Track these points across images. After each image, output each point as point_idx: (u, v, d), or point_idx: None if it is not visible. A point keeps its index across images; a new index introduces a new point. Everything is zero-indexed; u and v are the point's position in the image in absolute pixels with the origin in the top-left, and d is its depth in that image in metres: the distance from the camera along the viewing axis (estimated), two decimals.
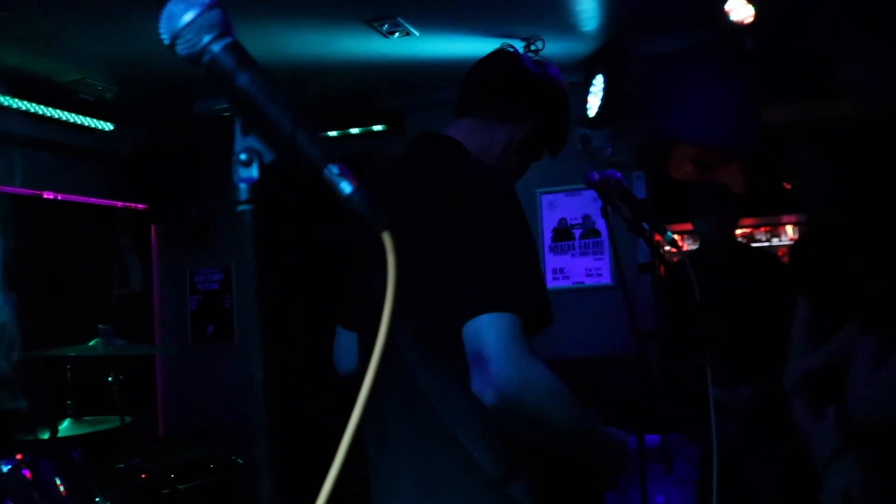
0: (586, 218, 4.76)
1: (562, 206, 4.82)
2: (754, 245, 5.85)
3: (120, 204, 5.39)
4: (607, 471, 1.57)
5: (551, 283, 4.80)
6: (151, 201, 5.26)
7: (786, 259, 4.95)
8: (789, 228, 6.33)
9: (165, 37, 0.80)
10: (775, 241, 6.31)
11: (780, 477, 3.41)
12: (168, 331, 5.78)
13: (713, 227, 3.58)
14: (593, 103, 4.32)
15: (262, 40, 3.88)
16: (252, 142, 0.79)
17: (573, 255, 4.78)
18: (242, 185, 0.78)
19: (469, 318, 1.34)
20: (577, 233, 4.78)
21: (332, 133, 5.22)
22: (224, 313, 5.67)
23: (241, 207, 0.78)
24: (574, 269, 4.77)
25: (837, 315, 2.38)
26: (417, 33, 3.81)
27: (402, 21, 3.67)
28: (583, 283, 4.76)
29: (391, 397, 1.52)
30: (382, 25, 3.70)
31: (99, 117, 4.81)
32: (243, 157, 0.78)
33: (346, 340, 1.78)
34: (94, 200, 5.29)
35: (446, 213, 1.44)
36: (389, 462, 1.57)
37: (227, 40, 0.80)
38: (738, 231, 4.97)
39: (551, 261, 4.82)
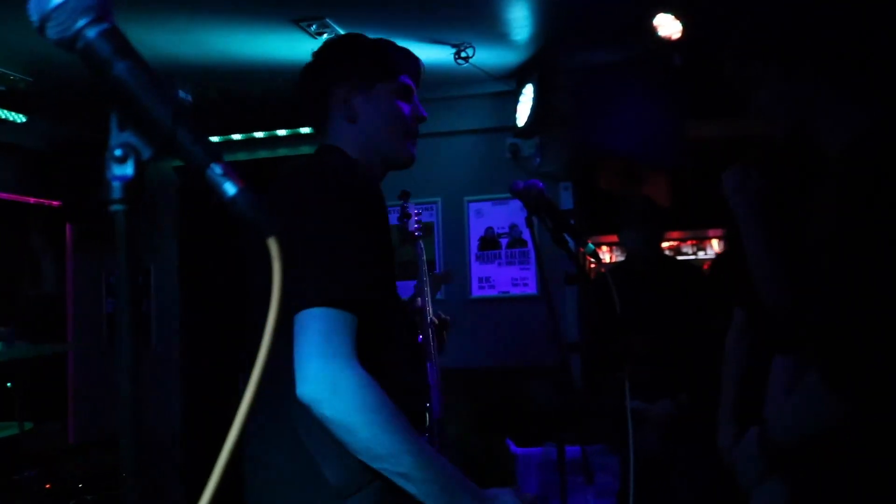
0: (513, 227, 4.76)
1: (489, 214, 4.81)
2: (680, 258, 5.95)
3: (32, 200, 5.16)
4: None
5: (477, 292, 4.79)
6: (66, 198, 5.06)
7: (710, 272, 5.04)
8: (715, 242, 6.45)
9: (34, 18, 0.73)
10: (701, 255, 6.43)
11: (699, 489, 3.45)
12: (82, 333, 5.56)
13: (639, 240, 3.61)
14: (523, 112, 4.33)
15: (185, 38, 3.76)
16: (129, 137, 0.73)
17: (499, 264, 4.77)
18: (116, 184, 0.71)
19: (296, 311, 1.36)
20: (503, 242, 4.77)
21: (259, 134, 5.11)
22: (142, 317, 5.48)
23: (115, 207, 0.71)
24: (500, 279, 4.76)
25: (768, 330, 2.41)
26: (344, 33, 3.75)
27: (330, 22, 3.60)
28: (508, 292, 4.75)
29: (261, 397, 1.49)
30: (310, 26, 3.63)
31: (10, 108, 4.60)
32: (118, 152, 0.72)
33: None
34: (3, 195, 5.04)
35: (288, 214, 1.45)
36: (250, 456, 1.55)
37: (104, 26, 0.73)
38: (665, 244, 5.05)
39: (477, 269, 4.81)
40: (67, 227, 5.55)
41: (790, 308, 1.80)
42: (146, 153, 0.73)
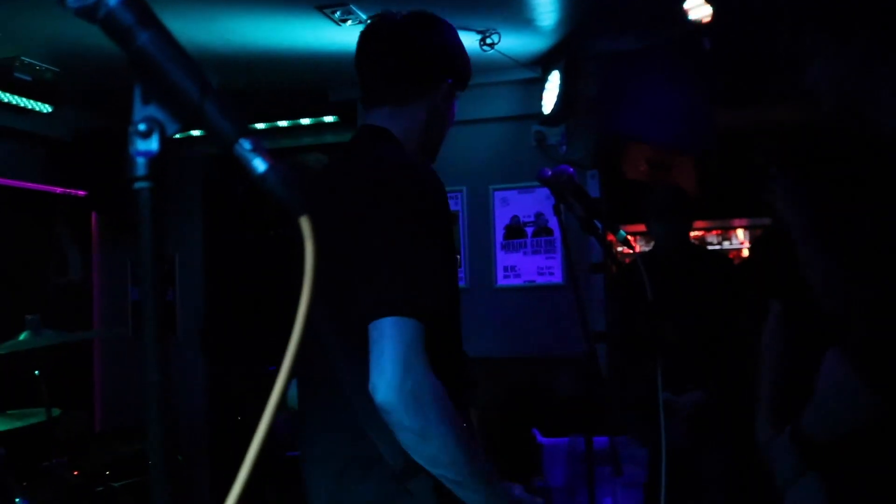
0: (539, 216, 4.71)
1: (514, 203, 4.75)
2: (707, 248, 5.88)
3: (58, 190, 5.18)
4: None
5: (502, 281, 4.74)
6: (92, 188, 5.07)
7: (737, 262, 4.98)
8: (740, 232, 6.39)
9: None
10: (726, 245, 6.37)
11: (728, 481, 3.41)
12: (107, 322, 5.59)
13: (667, 231, 3.58)
14: (549, 100, 4.27)
15: (207, 26, 3.74)
16: (153, 111, 0.69)
17: (525, 253, 4.72)
18: (140, 160, 0.68)
19: (372, 318, 1.38)
20: (529, 231, 4.72)
21: (283, 123, 5.09)
22: (166, 305, 5.50)
23: (139, 185, 0.68)
24: (525, 268, 4.71)
25: (809, 323, 2.35)
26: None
27: (354, 8, 3.57)
28: (534, 281, 4.70)
29: (314, 384, 1.56)
30: (334, 12, 3.59)
31: (37, 98, 4.60)
32: (142, 127, 0.68)
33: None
34: (30, 185, 5.07)
35: (362, 208, 1.45)
36: (309, 447, 1.61)
37: None
38: (691, 234, 4.99)
39: (502, 258, 4.76)
40: (93, 216, 5.58)
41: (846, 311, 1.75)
42: (171, 128, 0.70)
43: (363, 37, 1.72)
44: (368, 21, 1.78)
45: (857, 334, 1.39)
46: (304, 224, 0.67)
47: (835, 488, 1.59)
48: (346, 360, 1.47)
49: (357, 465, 1.48)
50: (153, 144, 0.68)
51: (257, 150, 0.67)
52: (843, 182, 2.20)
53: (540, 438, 3.80)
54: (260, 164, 0.67)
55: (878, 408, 1.37)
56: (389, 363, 1.33)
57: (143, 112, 0.69)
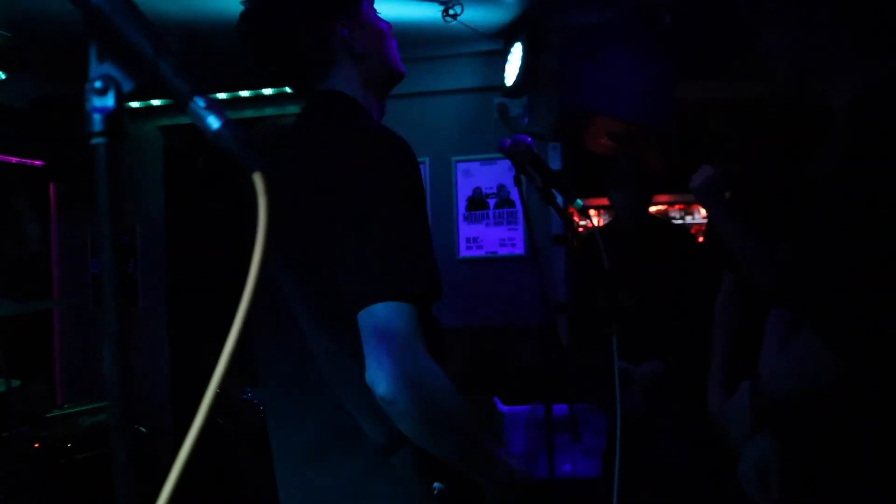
0: (501, 188, 4.75)
1: (477, 174, 4.79)
2: (669, 221, 5.95)
3: (14, 160, 5.09)
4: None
5: (464, 252, 4.78)
6: (50, 158, 4.99)
7: (700, 237, 5.06)
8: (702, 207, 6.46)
9: None
10: (689, 219, 6.44)
11: (685, 449, 3.48)
12: (67, 294, 5.53)
13: (627, 202, 3.61)
14: (511, 72, 4.29)
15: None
16: (109, 69, 0.70)
17: (487, 224, 4.76)
18: (96, 116, 0.69)
19: (364, 305, 1.31)
20: (491, 202, 4.76)
21: (245, 93, 5.05)
22: (128, 278, 5.45)
23: (95, 140, 0.69)
24: (488, 239, 4.76)
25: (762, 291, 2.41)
26: None
27: None
28: (496, 252, 4.75)
29: (284, 363, 1.50)
30: None
31: None
32: (98, 84, 0.69)
33: None
34: None
35: (338, 185, 1.37)
36: (282, 428, 1.56)
37: None
38: (653, 208, 5.05)
39: (465, 230, 4.80)
40: (51, 186, 5.49)
41: (788, 261, 1.79)
42: (127, 86, 0.71)
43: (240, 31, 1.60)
44: None
45: (819, 299, 1.43)
46: (258, 180, 0.68)
47: (788, 446, 1.64)
48: (321, 338, 1.41)
49: (339, 443, 1.45)
50: (109, 101, 0.69)
51: (211, 107, 0.69)
52: (788, 152, 2.25)
53: (501, 406, 3.86)
54: (214, 122, 0.69)
55: (838, 371, 1.41)
56: (388, 354, 1.27)
57: (98, 70, 0.70)
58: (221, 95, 5.11)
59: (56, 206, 5.55)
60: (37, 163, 5.10)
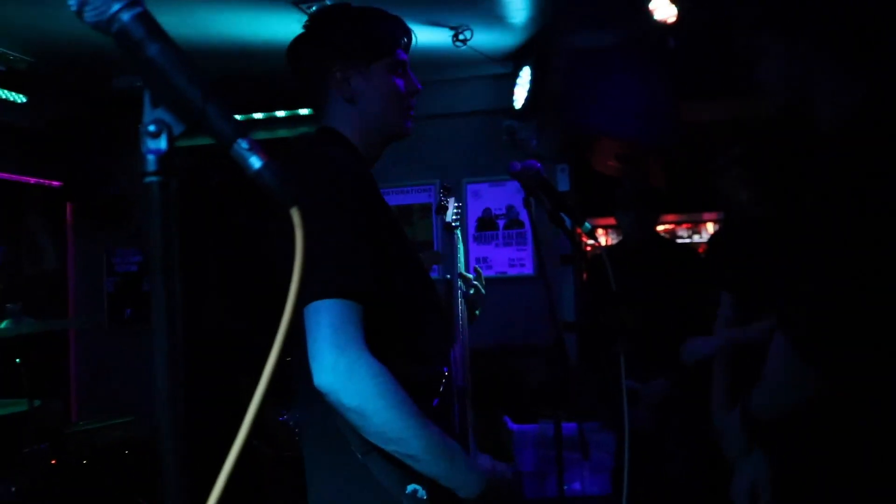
0: (510, 208, 4.82)
1: (486, 196, 4.86)
2: (675, 241, 5.99)
3: (32, 180, 5.19)
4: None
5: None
6: (67, 178, 5.09)
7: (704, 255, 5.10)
8: (710, 225, 6.50)
9: (73, 3, 0.78)
10: (696, 238, 6.47)
11: (693, 467, 3.51)
12: (83, 312, 5.60)
13: (634, 222, 3.66)
14: (520, 95, 4.37)
15: (187, 19, 3.79)
16: (161, 113, 0.78)
17: (497, 244, 4.83)
18: (150, 157, 0.76)
19: (304, 304, 1.41)
20: (500, 223, 4.83)
21: (258, 115, 5.14)
22: (142, 296, 5.53)
23: (149, 179, 0.76)
24: (497, 259, 4.82)
25: (759, 311, 2.46)
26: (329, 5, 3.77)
27: (329, 3, 3.64)
28: (505, 272, 4.82)
29: (303, 383, 1.56)
30: (310, 7, 3.67)
31: (11, 88, 4.62)
32: (152, 128, 0.77)
33: None
34: (4, 176, 5.08)
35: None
36: (305, 443, 1.68)
37: (138, 9, 0.78)
38: (660, 227, 5.10)
39: (475, 250, 4.86)
40: (68, 206, 5.58)
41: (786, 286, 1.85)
42: (178, 129, 0.78)
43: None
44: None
45: (797, 314, 1.48)
46: (295, 216, 0.75)
47: (778, 463, 1.69)
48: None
49: (333, 452, 1.54)
50: (162, 143, 0.77)
51: (253, 148, 0.76)
52: (787, 171, 2.31)
53: (510, 425, 3.90)
54: (256, 162, 0.76)
55: (817, 385, 1.46)
56: (321, 345, 1.37)
57: (152, 115, 0.78)
58: (236, 117, 5.18)
59: (72, 225, 5.64)
60: (54, 183, 5.20)
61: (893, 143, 1.42)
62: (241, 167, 0.77)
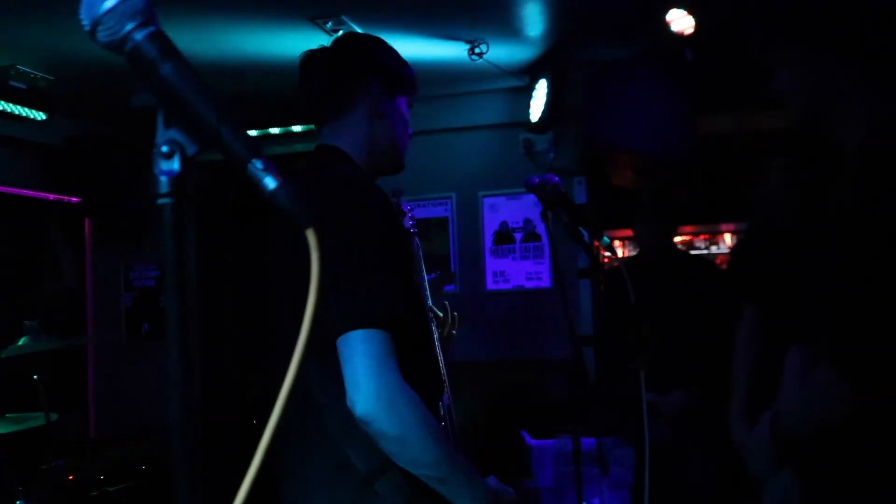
0: (527, 222, 4.79)
1: (503, 209, 4.84)
2: (693, 252, 5.94)
3: (52, 196, 5.23)
4: None
5: (491, 286, 4.82)
6: (85, 194, 5.12)
7: (724, 266, 5.06)
8: (727, 237, 6.45)
9: (86, 23, 0.77)
10: (714, 249, 6.42)
11: (713, 481, 3.47)
12: (101, 328, 5.63)
13: (652, 234, 3.64)
14: (536, 108, 4.36)
15: (203, 36, 3.81)
16: (174, 134, 0.77)
17: (513, 258, 4.80)
18: (163, 178, 0.75)
19: (339, 333, 1.43)
20: (517, 236, 4.81)
21: (275, 130, 5.15)
22: (160, 311, 5.54)
23: (161, 201, 0.75)
24: (514, 273, 4.80)
25: (783, 324, 2.43)
26: (361, 32, 3.79)
27: (346, 19, 3.64)
28: (522, 286, 4.79)
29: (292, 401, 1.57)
30: (326, 23, 3.67)
31: (31, 106, 4.66)
32: (165, 149, 0.76)
33: None
34: (24, 192, 5.12)
35: (322, 228, 1.49)
36: (286, 458, 1.66)
37: (151, 29, 0.77)
38: (678, 239, 5.07)
39: (491, 264, 4.84)
40: (87, 222, 5.62)
41: (808, 296, 1.82)
42: (191, 149, 0.77)
43: (299, 65, 1.81)
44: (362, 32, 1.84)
45: (834, 331, 1.44)
46: (311, 236, 0.74)
47: (810, 483, 1.65)
48: (315, 370, 1.51)
49: (328, 473, 1.55)
50: (175, 164, 0.76)
51: (268, 169, 0.75)
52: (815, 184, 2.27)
53: (528, 440, 3.87)
54: (271, 182, 0.75)
55: (853, 403, 1.42)
56: (363, 377, 1.39)
57: (165, 135, 0.77)
58: (252, 132, 5.21)
59: (91, 241, 5.68)
60: (73, 199, 5.23)
61: None
62: (257, 187, 0.76)
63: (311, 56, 1.79)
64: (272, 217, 1.77)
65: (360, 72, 1.74)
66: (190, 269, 5.57)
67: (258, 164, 0.75)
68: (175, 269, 0.75)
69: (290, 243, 1.56)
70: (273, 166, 0.76)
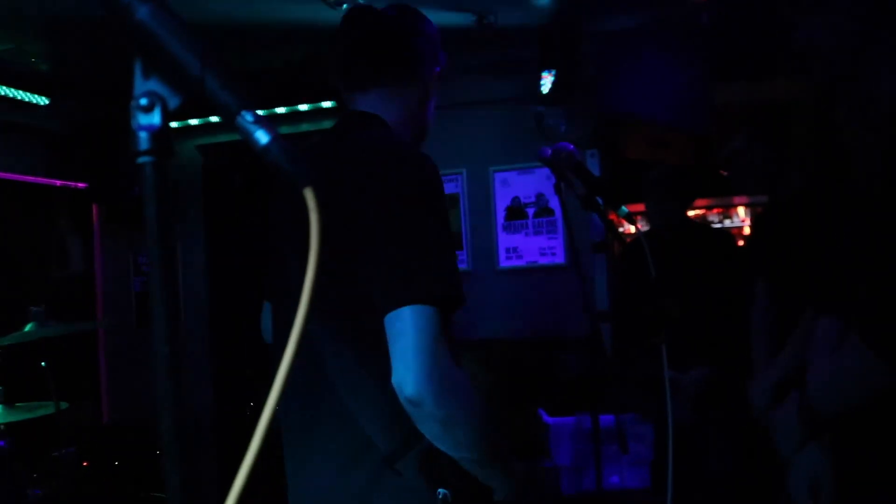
0: (540, 196, 4.70)
1: (515, 184, 4.75)
2: (709, 225, 5.87)
3: (58, 182, 5.18)
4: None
5: (504, 263, 4.75)
6: (92, 180, 5.07)
7: (740, 240, 4.98)
8: (741, 210, 6.38)
9: None
10: (727, 223, 6.36)
11: (734, 458, 3.42)
12: (111, 313, 5.60)
13: (661, 211, 3.59)
14: (547, 80, 4.25)
15: (204, 6, 3.72)
16: (154, 85, 0.69)
17: (526, 234, 4.72)
18: (143, 134, 0.67)
19: (391, 307, 1.35)
20: (530, 211, 4.72)
21: (281, 109, 5.07)
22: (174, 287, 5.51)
23: (142, 159, 0.68)
24: (527, 249, 4.71)
25: (798, 298, 2.36)
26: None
27: None
28: (536, 262, 4.70)
29: (300, 378, 1.53)
30: None
31: (33, 91, 4.60)
32: (143, 101, 0.68)
33: (269, 312, 1.80)
34: (30, 179, 5.07)
35: (362, 198, 1.42)
36: (295, 440, 1.60)
37: None
38: (691, 213, 4.98)
39: (504, 240, 4.76)
40: (94, 207, 5.58)
41: (834, 268, 1.74)
42: (173, 102, 0.69)
43: (347, 22, 1.69)
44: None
45: (867, 307, 1.37)
46: (309, 196, 0.66)
47: (841, 458, 1.59)
48: (332, 347, 1.46)
49: (347, 454, 1.48)
50: (155, 118, 0.68)
51: (259, 121, 0.67)
52: (830, 151, 2.18)
53: (546, 418, 3.81)
54: (263, 136, 0.67)
55: (888, 379, 1.36)
56: (415, 355, 1.31)
57: (143, 87, 0.69)
58: (280, 109, 5.13)
59: (99, 226, 5.63)
60: (80, 185, 5.18)
61: None
62: (247, 142, 0.68)
63: (361, 16, 1.68)
64: (277, 187, 1.70)
65: (426, 50, 1.68)
66: (199, 251, 5.52)
67: (248, 117, 0.67)
68: (159, 235, 0.67)
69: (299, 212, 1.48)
70: (265, 119, 0.68)
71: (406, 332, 1.32)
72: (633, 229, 4.74)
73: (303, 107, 5.01)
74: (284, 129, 5.19)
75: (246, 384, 5.23)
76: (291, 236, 1.58)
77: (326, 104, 4.92)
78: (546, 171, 2.21)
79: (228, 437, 5.33)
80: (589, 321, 2.15)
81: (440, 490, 1.45)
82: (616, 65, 4.07)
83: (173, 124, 4.94)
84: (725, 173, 2.94)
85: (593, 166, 4.62)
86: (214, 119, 4.92)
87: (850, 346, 1.42)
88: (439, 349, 1.32)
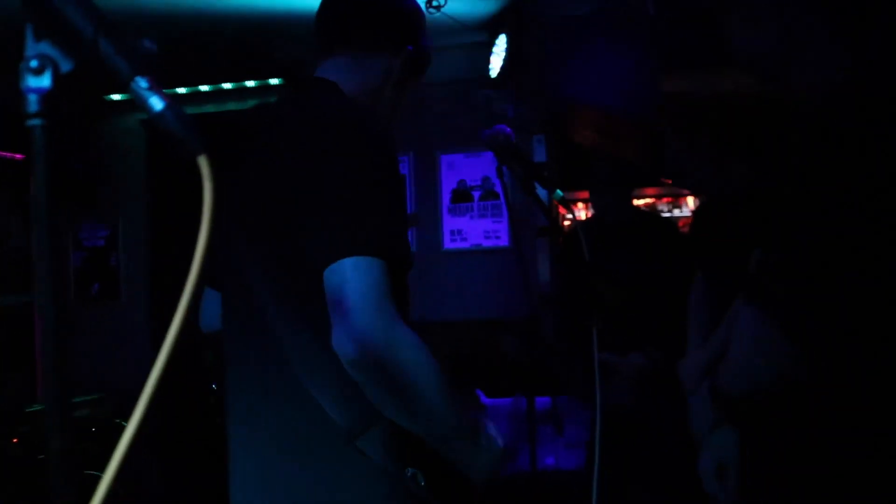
0: (485, 180, 4.73)
1: (461, 167, 4.76)
2: (654, 214, 5.94)
3: None
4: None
5: (449, 245, 4.76)
6: (29, 150, 4.93)
7: (685, 230, 5.05)
8: (690, 200, 6.45)
9: None
10: (676, 212, 6.43)
11: (670, 442, 3.48)
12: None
13: (604, 203, 3.61)
14: (496, 63, 4.27)
15: None
16: (45, 48, 0.68)
17: (471, 216, 4.74)
18: (32, 97, 0.66)
19: (330, 261, 1.23)
20: (476, 195, 4.74)
21: (227, 85, 5.00)
22: (110, 271, 5.41)
23: (31, 122, 0.66)
24: (472, 231, 4.74)
25: (731, 290, 2.41)
26: None
27: None
28: (481, 245, 4.73)
29: (246, 348, 1.46)
30: None
31: None
32: (34, 63, 0.67)
33: (210, 299, 1.66)
34: None
35: (308, 156, 1.35)
36: (244, 416, 1.49)
37: None
38: (640, 202, 5.04)
39: (449, 222, 4.78)
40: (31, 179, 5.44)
41: (758, 258, 1.78)
42: (65, 66, 0.68)
43: None
44: None
45: (774, 285, 1.41)
46: (203, 164, 0.66)
47: (748, 440, 1.63)
48: (283, 317, 1.35)
49: (297, 434, 1.37)
50: (45, 81, 0.67)
51: (153, 88, 0.66)
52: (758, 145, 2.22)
53: (483, 399, 3.84)
54: (157, 103, 0.66)
55: (794, 362, 1.39)
56: (353, 310, 1.18)
57: (34, 49, 0.68)
58: (204, 87, 5.05)
59: None
60: (17, 156, 5.05)
61: (884, 118, 1.33)
62: (142, 107, 0.67)
63: None
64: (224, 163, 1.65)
65: (397, 21, 1.62)
66: (140, 228, 5.42)
67: (142, 83, 0.66)
68: (46, 201, 0.66)
69: (247, 187, 1.44)
70: (160, 86, 0.67)
71: (342, 285, 1.20)
72: (582, 216, 4.79)
73: (227, 85, 4.96)
74: (209, 108, 5.12)
75: (184, 361, 5.17)
76: (240, 215, 1.47)
77: (273, 81, 4.87)
78: (492, 154, 2.21)
79: (167, 414, 5.26)
80: (529, 304, 2.17)
81: (409, 469, 1.31)
82: (564, 50, 4.09)
83: (116, 97, 4.81)
84: (669, 181, 2.98)
85: (540, 151, 4.65)
86: None
87: (752, 323, 1.45)
88: (381, 303, 1.19)
